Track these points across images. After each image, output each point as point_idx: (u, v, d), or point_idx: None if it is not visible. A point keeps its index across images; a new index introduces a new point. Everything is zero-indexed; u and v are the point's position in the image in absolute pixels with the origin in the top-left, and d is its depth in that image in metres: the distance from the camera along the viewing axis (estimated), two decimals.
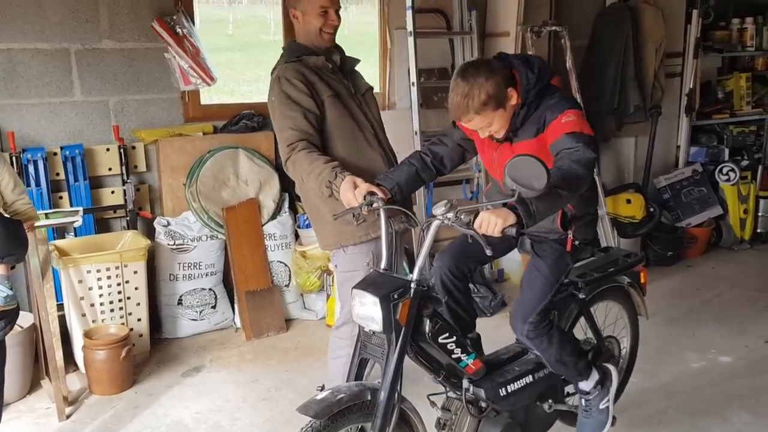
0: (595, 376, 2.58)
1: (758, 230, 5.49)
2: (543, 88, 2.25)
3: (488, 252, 2.00)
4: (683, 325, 4.03)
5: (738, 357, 3.62)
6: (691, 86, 5.34)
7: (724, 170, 5.33)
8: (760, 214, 5.47)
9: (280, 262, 4.04)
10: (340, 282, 2.88)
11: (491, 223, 1.92)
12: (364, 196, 2.21)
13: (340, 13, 2.67)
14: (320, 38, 2.63)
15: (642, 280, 2.99)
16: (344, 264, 2.72)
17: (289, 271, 4.06)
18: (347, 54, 2.80)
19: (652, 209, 4.94)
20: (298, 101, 2.52)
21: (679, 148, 5.51)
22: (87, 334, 3.32)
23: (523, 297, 2.45)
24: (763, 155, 5.88)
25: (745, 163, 5.51)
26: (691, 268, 5.02)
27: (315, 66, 2.61)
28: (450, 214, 2.02)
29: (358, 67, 2.84)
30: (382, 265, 2.13)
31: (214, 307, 3.94)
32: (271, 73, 2.69)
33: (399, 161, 2.73)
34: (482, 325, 3.94)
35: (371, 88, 2.82)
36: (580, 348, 2.60)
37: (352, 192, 2.25)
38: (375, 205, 2.21)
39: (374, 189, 2.23)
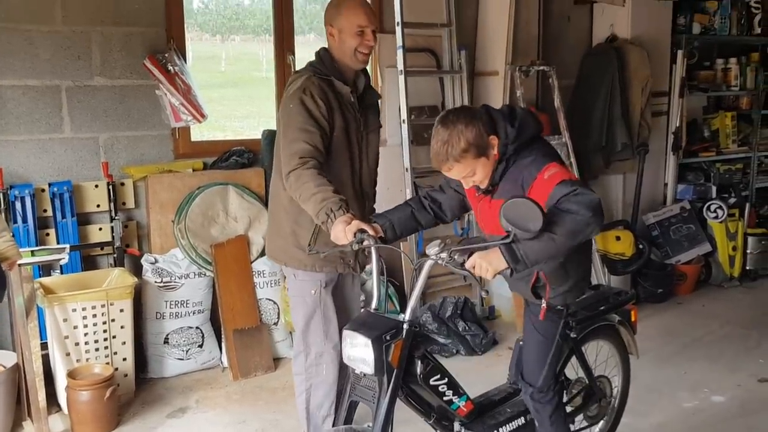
0: None
1: (747, 267, 5.51)
2: (523, 143, 2.17)
3: (484, 294, 2.00)
4: (675, 363, 4.00)
5: (731, 396, 3.59)
6: (677, 124, 5.41)
7: (712, 207, 5.37)
8: (748, 251, 5.49)
9: (269, 299, 4.00)
10: (290, 307, 2.90)
11: (482, 268, 1.92)
12: (355, 233, 2.17)
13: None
14: (354, 59, 2.63)
15: (633, 319, 2.98)
16: (293, 288, 2.75)
17: (278, 308, 4.02)
18: (371, 84, 2.83)
19: (641, 246, 4.95)
20: (318, 120, 2.51)
21: (666, 185, 5.56)
22: (71, 374, 3.26)
23: (526, 358, 2.44)
24: (750, 193, 5.94)
25: (732, 200, 5.55)
26: (682, 306, 5.02)
27: (340, 92, 2.62)
28: (444, 254, 2.02)
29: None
30: (373, 305, 2.11)
31: (201, 346, 3.88)
32: (293, 76, 2.69)
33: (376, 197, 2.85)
34: (473, 363, 3.95)
35: (379, 127, 2.85)
36: None
37: (343, 228, 2.16)
38: (366, 243, 2.19)
39: (365, 226, 2.20)
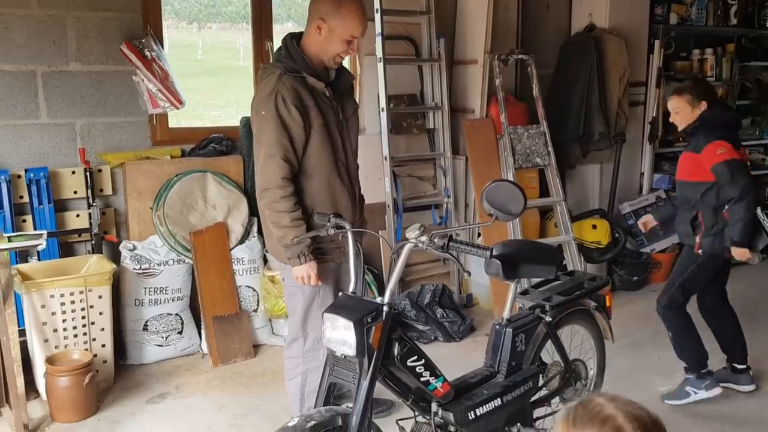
0: None
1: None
2: (717, 125, 3.26)
3: (466, 276, 2.03)
4: (649, 349, 4.07)
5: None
6: (654, 114, 5.47)
7: None
8: None
9: (249, 286, 4.00)
10: (286, 295, 2.91)
11: None
12: (329, 218, 2.26)
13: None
14: (331, 60, 2.61)
15: (607, 304, 3.04)
16: (289, 279, 2.75)
17: (258, 296, 4.02)
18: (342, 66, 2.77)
19: (617, 235, 5.02)
20: (290, 129, 2.50)
21: (642, 175, 5.62)
22: (49, 360, 3.24)
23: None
24: None
25: None
26: (656, 293, 4.97)
27: (314, 87, 2.57)
28: (424, 238, 2.04)
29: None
30: (350, 288, 2.13)
31: (180, 332, 3.87)
32: (263, 71, 2.65)
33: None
34: (451, 350, 3.99)
35: (357, 108, 2.84)
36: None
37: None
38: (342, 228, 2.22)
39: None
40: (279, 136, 2.49)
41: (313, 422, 1.98)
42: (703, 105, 3.31)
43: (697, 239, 3.34)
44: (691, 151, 3.35)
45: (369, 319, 2.00)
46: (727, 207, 3.22)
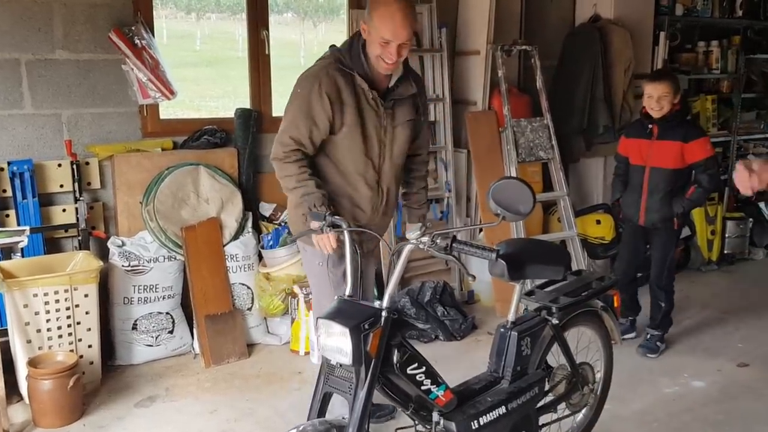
0: None
1: (725, 251, 5.49)
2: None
3: (471, 280, 1.90)
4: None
5: (711, 381, 3.56)
6: None
7: None
8: (727, 235, 5.48)
9: (243, 284, 3.87)
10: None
11: None
12: (324, 216, 2.18)
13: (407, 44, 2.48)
14: (378, 64, 2.50)
15: (615, 304, 2.92)
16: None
17: (252, 293, 3.89)
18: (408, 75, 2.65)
19: (621, 230, 4.89)
20: (314, 116, 2.48)
21: None
22: (32, 363, 3.11)
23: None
24: (729, 177, 5.91)
25: None
26: None
27: (360, 86, 2.51)
28: (425, 239, 1.91)
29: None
30: (347, 291, 2.00)
31: (171, 332, 3.74)
32: (320, 58, 2.61)
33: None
34: (452, 349, 3.87)
35: (411, 120, 2.68)
36: None
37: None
38: (338, 226, 2.09)
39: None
40: (299, 118, 2.49)
41: None
42: (679, 96, 3.66)
43: (675, 219, 3.76)
44: (679, 140, 3.62)
45: (366, 326, 1.87)
46: (693, 192, 3.69)
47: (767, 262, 5.74)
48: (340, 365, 1.92)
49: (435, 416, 2.17)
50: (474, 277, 1.86)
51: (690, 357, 3.85)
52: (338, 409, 2.35)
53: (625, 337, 3.93)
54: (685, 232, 5.30)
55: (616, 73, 4.86)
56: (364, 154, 2.58)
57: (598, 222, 4.85)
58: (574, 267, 4.67)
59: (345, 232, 2.07)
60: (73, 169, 3.55)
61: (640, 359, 3.81)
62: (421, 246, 1.91)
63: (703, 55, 5.76)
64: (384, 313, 1.91)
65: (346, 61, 2.51)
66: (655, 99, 3.60)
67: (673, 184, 3.70)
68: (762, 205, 5.95)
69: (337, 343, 1.87)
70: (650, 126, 3.69)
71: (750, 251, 5.69)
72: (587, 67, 4.79)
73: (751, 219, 5.64)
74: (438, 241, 1.88)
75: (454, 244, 1.86)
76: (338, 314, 1.90)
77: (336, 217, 2.12)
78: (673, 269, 3.96)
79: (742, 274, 5.41)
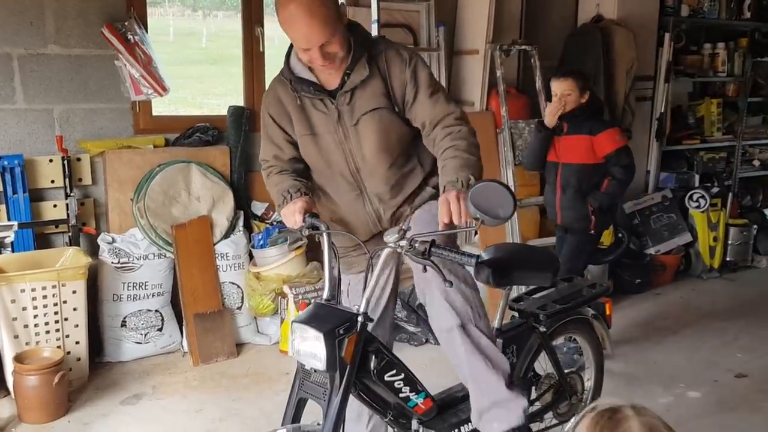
0: None
1: (728, 258, 5.41)
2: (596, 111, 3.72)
3: (448, 287, 1.84)
4: (650, 356, 3.89)
5: (707, 392, 3.49)
6: (661, 111, 5.27)
7: (694, 197, 5.25)
8: (729, 242, 5.40)
9: (233, 283, 3.84)
10: None
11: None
12: (304, 217, 2.06)
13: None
14: (315, 69, 2.18)
15: (607, 312, 2.87)
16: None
17: (242, 293, 3.86)
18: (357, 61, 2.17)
19: (620, 235, 4.82)
20: (271, 137, 2.32)
21: (648, 173, 5.43)
22: (18, 358, 3.09)
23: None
24: (733, 182, 5.83)
25: (715, 190, 5.43)
26: (660, 297, 4.91)
27: (304, 93, 2.20)
28: (403, 242, 1.86)
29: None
30: (324, 295, 1.96)
31: (160, 329, 3.72)
32: None
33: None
34: (442, 352, 3.82)
35: (374, 110, 2.20)
36: None
37: (293, 209, 2.11)
38: (316, 228, 2.04)
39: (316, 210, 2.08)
40: (264, 139, 2.36)
41: None
42: (587, 93, 3.67)
43: (593, 219, 3.69)
44: (586, 134, 3.62)
45: (341, 331, 1.82)
46: (608, 185, 3.64)
47: None
48: (315, 371, 1.88)
49: (414, 424, 2.13)
50: (451, 283, 1.80)
51: (686, 367, 3.77)
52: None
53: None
54: (687, 238, 5.26)
55: (618, 74, 4.79)
56: (328, 166, 2.29)
57: None
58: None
59: (324, 235, 2.02)
60: (64, 165, 3.52)
61: (634, 367, 3.74)
62: (398, 250, 1.86)
63: (709, 58, 5.67)
64: (360, 319, 1.87)
65: (284, 71, 2.22)
66: (558, 96, 3.63)
67: (587, 180, 3.65)
68: (767, 211, 5.87)
69: (311, 348, 1.82)
70: (560, 122, 3.68)
71: (753, 258, 5.60)
72: (588, 69, 4.72)
73: (755, 226, 5.55)
74: (417, 245, 1.83)
75: (432, 249, 1.81)
76: (313, 319, 1.85)
77: (315, 219, 2.07)
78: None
79: (745, 282, 5.32)
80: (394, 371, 2.00)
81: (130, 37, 3.54)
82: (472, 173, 2.04)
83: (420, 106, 2.21)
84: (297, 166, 2.34)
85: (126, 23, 3.55)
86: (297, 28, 2.00)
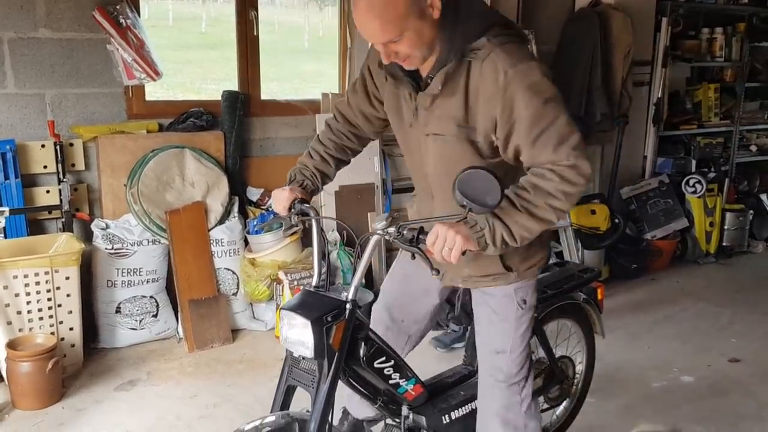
0: None
1: (724, 244, 5.42)
2: None
3: (435, 276, 1.81)
4: (645, 341, 3.91)
5: (700, 377, 3.50)
6: (659, 96, 5.25)
7: (691, 182, 5.25)
8: (725, 227, 5.40)
9: (228, 269, 3.83)
10: None
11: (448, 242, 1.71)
12: (292, 204, 2.03)
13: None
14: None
15: (599, 297, 2.86)
16: None
17: (237, 279, 3.85)
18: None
19: (616, 220, 4.82)
20: (357, 88, 2.18)
21: (645, 158, 5.42)
22: (11, 344, 3.09)
23: None
24: (730, 168, 5.82)
25: (711, 175, 5.43)
26: (655, 282, 4.92)
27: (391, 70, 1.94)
28: (391, 229, 1.84)
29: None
30: (313, 282, 1.95)
31: (155, 315, 3.72)
32: None
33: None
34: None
35: (439, 134, 1.88)
36: None
37: (281, 195, 2.08)
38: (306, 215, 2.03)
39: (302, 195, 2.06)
40: (351, 88, 2.23)
41: (267, 429, 1.82)
42: None
43: None
44: None
45: (329, 318, 1.81)
46: None
47: (767, 255, 5.66)
48: (303, 358, 1.87)
49: (404, 410, 2.13)
50: (438, 272, 1.79)
51: (681, 351, 3.79)
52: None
53: (455, 346, 3.64)
54: (683, 223, 5.25)
55: (616, 59, 4.76)
56: (408, 154, 2.08)
57: (593, 212, 4.77)
58: (567, 258, 4.63)
59: (313, 221, 2.01)
60: (56, 150, 3.50)
61: (629, 352, 3.75)
62: (387, 237, 1.85)
63: (707, 43, 5.65)
64: (348, 306, 1.86)
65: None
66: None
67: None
68: (764, 196, 5.86)
69: (299, 336, 1.82)
70: None
71: (749, 244, 5.61)
72: (586, 53, 4.70)
73: (751, 211, 5.55)
74: (405, 232, 1.82)
75: (420, 236, 1.80)
76: (301, 306, 1.85)
77: (305, 205, 2.05)
78: None
79: (740, 267, 5.33)
80: (383, 358, 2.00)
81: (122, 20, 3.51)
82: (510, 234, 1.76)
83: (514, 148, 1.81)
84: (344, 142, 2.22)
85: (118, 7, 3.51)
86: (359, 23, 1.75)
